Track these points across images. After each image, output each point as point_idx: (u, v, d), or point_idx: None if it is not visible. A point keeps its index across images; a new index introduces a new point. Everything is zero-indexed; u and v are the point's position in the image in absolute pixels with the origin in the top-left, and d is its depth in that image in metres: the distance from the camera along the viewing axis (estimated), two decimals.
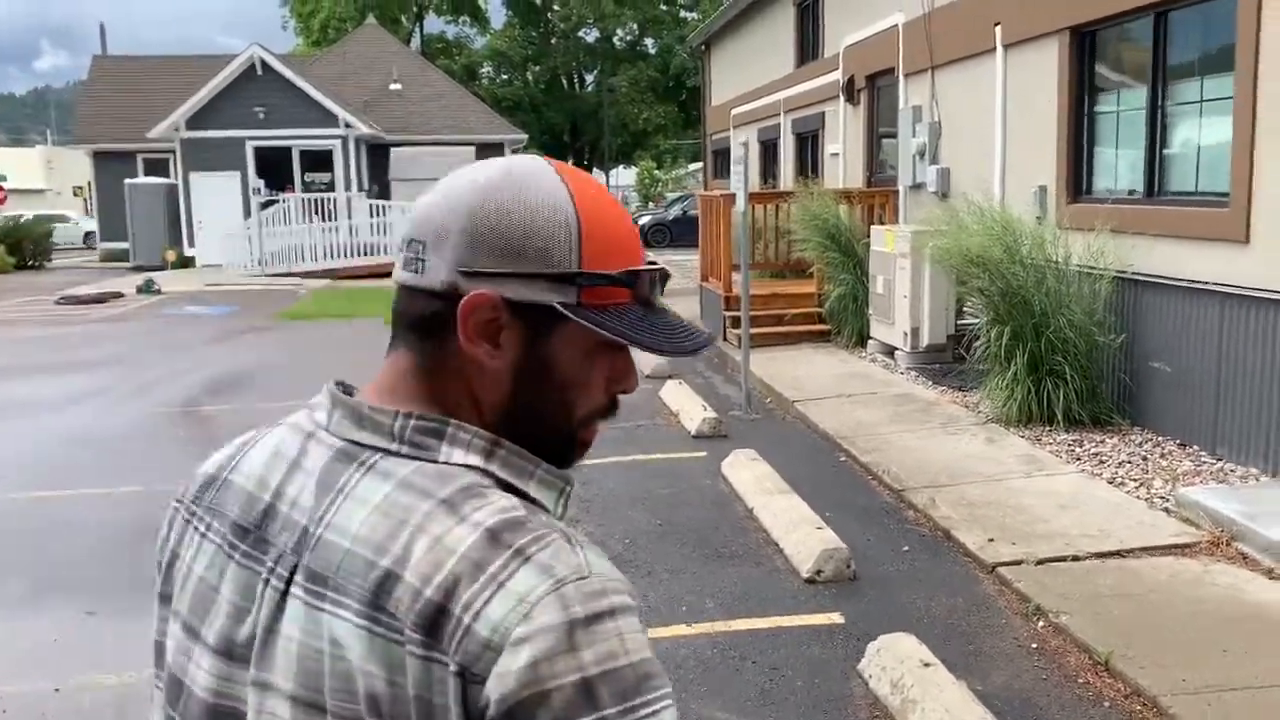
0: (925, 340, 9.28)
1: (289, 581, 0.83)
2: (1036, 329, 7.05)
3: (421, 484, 0.82)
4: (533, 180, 0.87)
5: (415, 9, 45.15)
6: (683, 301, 14.69)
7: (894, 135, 11.97)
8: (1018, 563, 4.80)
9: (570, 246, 0.85)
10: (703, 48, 22.19)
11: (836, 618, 4.38)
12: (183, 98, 25.00)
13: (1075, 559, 4.81)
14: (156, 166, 28.78)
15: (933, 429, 7.23)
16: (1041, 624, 4.27)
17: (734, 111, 19.39)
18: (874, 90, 12.68)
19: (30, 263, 27.70)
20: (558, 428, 0.90)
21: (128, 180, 26.58)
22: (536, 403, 0.88)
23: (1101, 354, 7.13)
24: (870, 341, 10.26)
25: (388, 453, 0.84)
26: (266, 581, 0.84)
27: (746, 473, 6.21)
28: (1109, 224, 7.10)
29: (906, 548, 5.18)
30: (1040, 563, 4.79)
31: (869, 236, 10.48)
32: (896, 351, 9.60)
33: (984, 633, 4.25)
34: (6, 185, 53.68)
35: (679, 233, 31.29)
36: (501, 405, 0.87)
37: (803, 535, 5.05)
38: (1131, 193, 7.35)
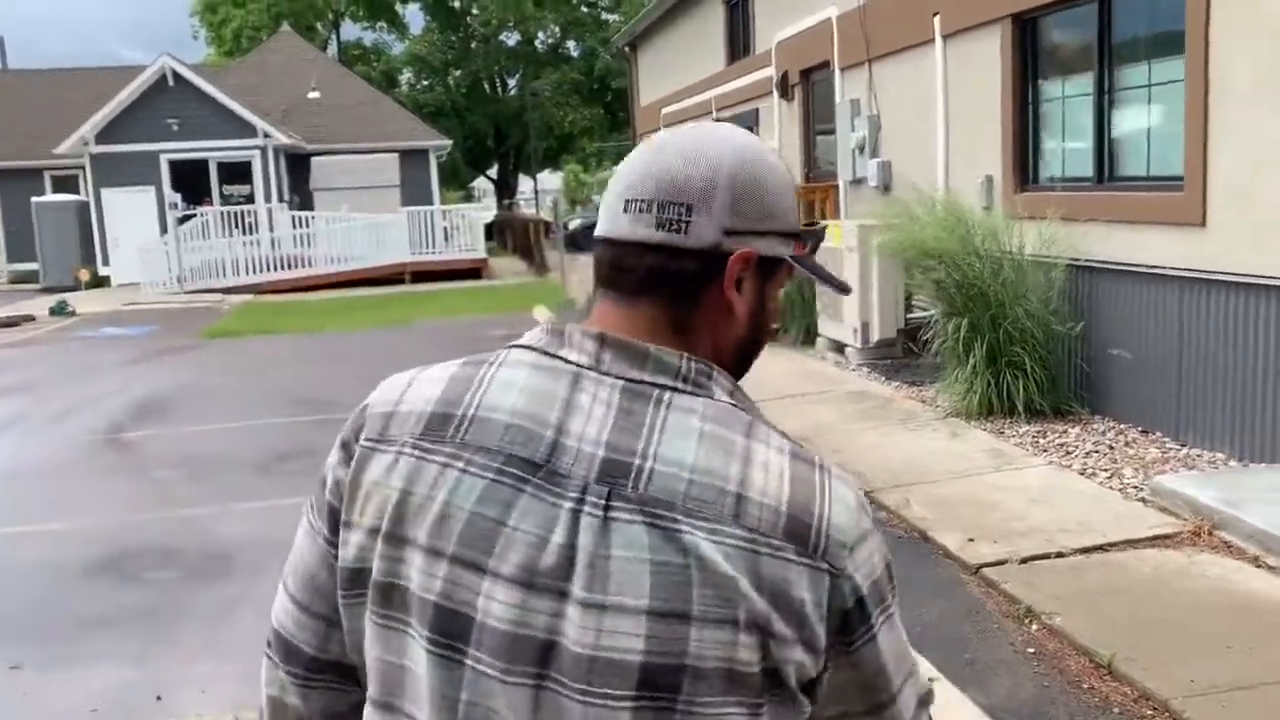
0: (876, 335, 9.17)
1: (607, 509, 0.88)
2: (994, 320, 6.96)
3: (723, 418, 0.92)
4: (765, 147, 1.02)
5: (331, 16, 44.22)
6: None
7: (831, 131, 11.88)
8: (1001, 562, 4.65)
9: (793, 206, 1.02)
10: (628, 49, 21.99)
11: None
12: (90, 111, 24.05)
13: (1059, 555, 4.67)
14: (65, 183, 27.69)
15: (893, 426, 7.09)
16: (1035, 627, 4.11)
17: (664, 111, 19.21)
18: (809, 85, 12.59)
19: None
20: (756, 355, 1.05)
21: (34, 199, 25.51)
22: (756, 339, 1.02)
23: (1059, 343, 7.06)
24: (819, 339, 10.13)
25: (676, 389, 0.93)
26: (577, 512, 0.89)
27: None
28: (1060, 212, 7.03)
29: None
30: (1024, 561, 4.64)
31: None
32: (847, 348, 9.48)
33: (978, 640, 4.08)
34: None
35: None
36: (735, 345, 1.00)
37: None
38: (1081, 180, 7.30)
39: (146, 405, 9.97)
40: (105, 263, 24.71)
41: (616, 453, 0.89)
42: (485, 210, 23.11)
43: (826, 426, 7.21)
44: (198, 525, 6.09)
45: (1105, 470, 5.80)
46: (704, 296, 0.96)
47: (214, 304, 20.44)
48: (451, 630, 0.91)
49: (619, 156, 71.15)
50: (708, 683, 0.85)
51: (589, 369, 0.94)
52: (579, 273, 22.54)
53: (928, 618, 4.27)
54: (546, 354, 0.98)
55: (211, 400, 10.18)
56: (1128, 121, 7.00)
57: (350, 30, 46.37)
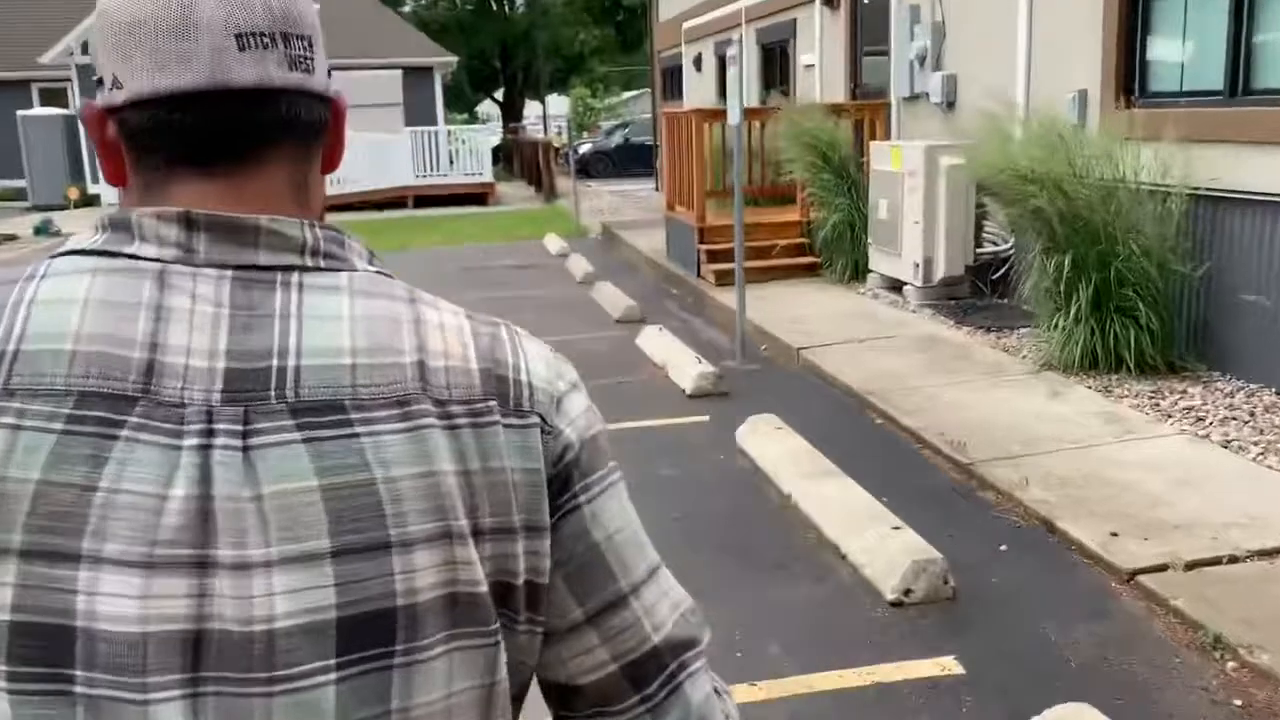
0: (940, 272, 8.11)
1: (245, 434, 0.68)
2: (1101, 258, 5.90)
3: (374, 289, 0.76)
4: None
5: None
6: (645, 234, 13.34)
7: (878, 52, 10.69)
8: (1161, 568, 3.67)
9: None
10: None
11: (952, 664, 3.20)
12: (78, 18, 22.63)
13: (1233, 560, 3.70)
14: (54, 97, 26.31)
15: (979, 381, 6.08)
16: (1231, 664, 3.14)
17: (686, 25, 17.87)
18: None
19: None
20: None
21: (20, 112, 24.18)
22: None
23: (1177, 287, 6.01)
24: (870, 275, 9.06)
25: (304, 269, 0.74)
26: (205, 448, 0.67)
27: (773, 445, 5.00)
28: (1178, 132, 5.93)
29: (1003, 547, 4.02)
30: (1191, 567, 3.66)
31: (865, 155, 9.25)
32: (905, 286, 8.42)
33: (1158, 681, 3.11)
34: None
35: (622, 161, 29.83)
36: (323, 211, 0.84)
37: (874, 538, 3.86)
38: (1207, 94, 6.18)
39: None
40: (95, 180, 23.51)
41: (244, 359, 0.69)
42: (491, 133, 21.76)
43: (898, 378, 6.20)
44: None
45: (1255, 444, 4.79)
46: (317, 149, 0.81)
47: None
48: (42, 653, 0.65)
49: (629, 81, 69.53)
50: (428, 621, 0.68)
51: (178, 263, 0.72)
52: (591, 199, 21.38)
53: (1082, 645, 3.30)
54: (109, 254, 0.72)
55: None
56: (1271, 21, 5.85)
57: None
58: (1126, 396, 5.58)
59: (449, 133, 23.20)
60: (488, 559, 0.70)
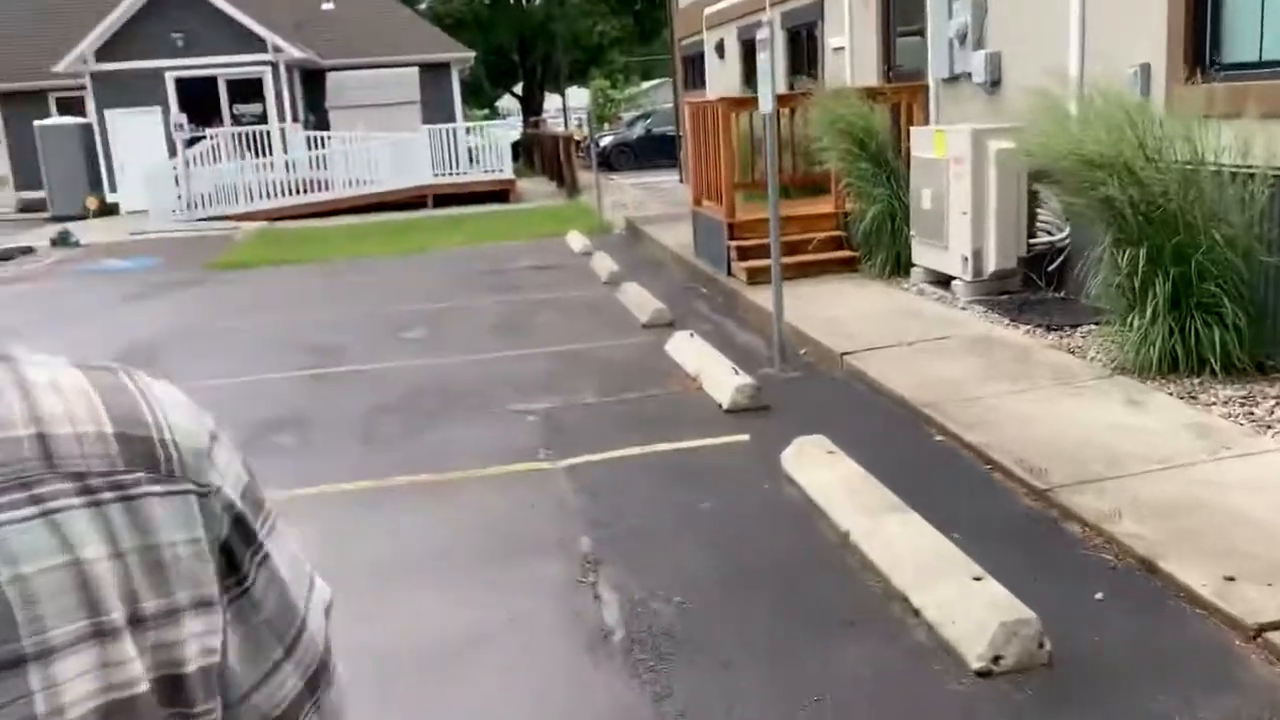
0: (991, 265, 7.55)
1: None
2: (1180, 249, 5.34)
3: None
4: None
5: None
6: (671, 229, 12.83)
7: (912, 33, 10.12)
8: None
9: None
10: None
11: None
12: (93, 25, 22.38)
13: None
14: (71, 106, 26.06)
15: (1044, 387, 5.54)
16: None
17: (707, 11, 17.32)
18: None
19: None
20: None
21: (37, 122, 23.98)
22: None
23: (1264, 279, 5.44)
24: (914, 270, 8.51)
25: None
26: None
27: (824, 472, 4.49)
28: (1262, 108, 5.36)
29: (1099, 595, 3.49)
30: None
31: (904, 141, 8.69)
32: (953, 281, 7.87)
33: None
34: None
35: (644, 153, 29.30)
36: None
37: (953, 590, 3.34)
38: None
39: (138, 351, 8.56)
40: (113, 189, 23.29)
41: None
42: (511, 128, 21.29)
43: (955, 386, 5.67)
44: None
45: None
46: None
47: (226, 232, 19.01)
48: None
49: (649, 71, 68.66)
50: None
51: None
52: (613, 193, 20.88)
53: None
54: None
55: (202, 348, 8.76)
56: None
57: None
58: (1215, 404, 5.02)
59: (467, 129, 22.75)
60: (150, 650, 0.60)
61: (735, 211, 9.25)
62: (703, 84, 18.52)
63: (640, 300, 8.78)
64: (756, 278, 8.54)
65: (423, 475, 5.08)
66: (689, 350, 6.88)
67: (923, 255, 8.32)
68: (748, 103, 9.22)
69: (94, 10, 23.56)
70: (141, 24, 22.27)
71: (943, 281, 8.06)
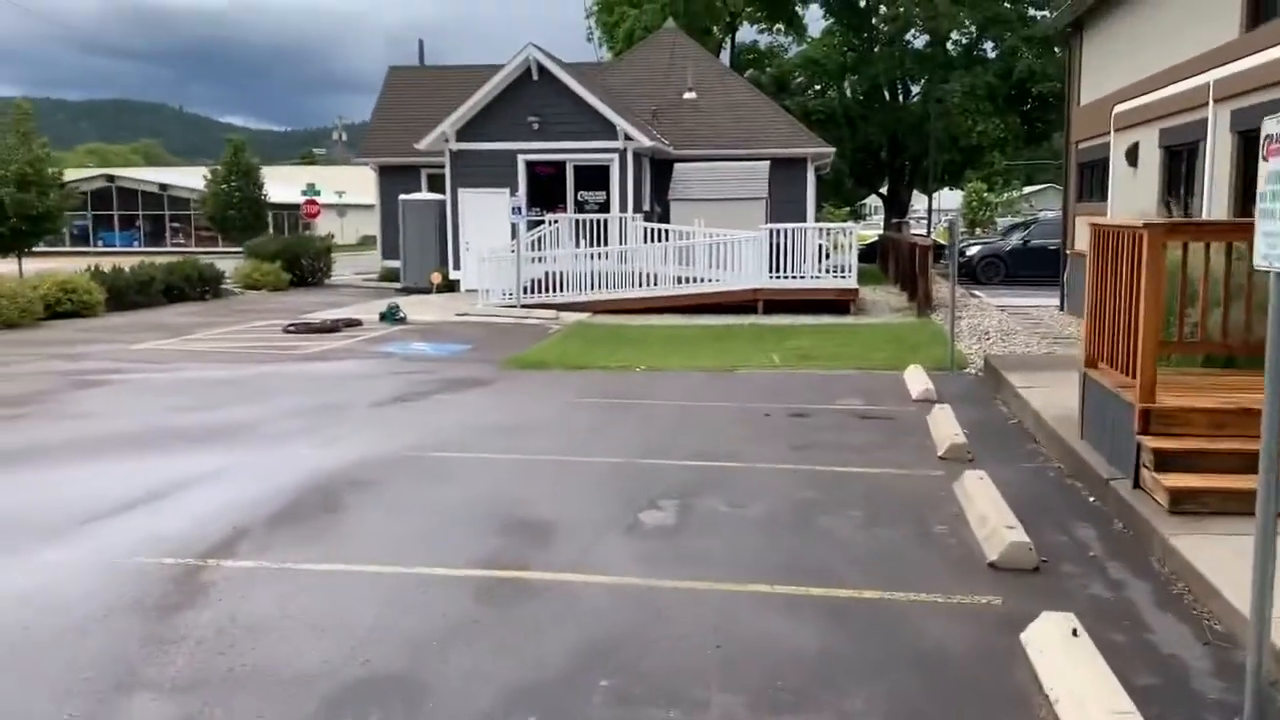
0: None
1: None
2: None
3: None
4: None
5: (728, 18, 41.91)
6: (1045, 382, 9.72)
7: None
8: None
9: None
10: (1070, 30, 16.82)
11: None
12: (458, 105, 22.81)
13: None
14: (437, 182, 27.03)
15: None
16: None
17: (1118, 110, 14.05)
18: None
19: (310, 279, 26.79)
20: None
21: (401, 196, 24.89)
22: None
23: None
24: None
25: None
26: None
27: None
28: None
29: None
30: None
31: None
32: None
33: None
34: (348, 200, 56.34)
35: (1018, 267, 25.70)
36: None
37: None
38: None
39: (317, 490, 6.97)
40: (456, 266, 23.45)
41: None
42: (870, 229, 18.83)
43: None
44: None
45: None
46: None
47: (545, 321, 18.06)
48: None
49: (1031, 176, 63.60)
50: None
51: None
52: (974, 315, 17.76)
53: None
54: None
55: (396, 493, 7.00)
56: None
57: (746, 33, 43.93)
58: None
59: (817, 230, 20.56)
60: None
61: (1154, 392, 6.16)
62: (1101, 195, 15.15)
63: (989, 512, 5.87)
64: (1186, 505, 5.48)
65: None
66: (1062, 661, 3.99)
67: None
68: (1188, 230, 6.18)
69: (467, 92, 24.09)
70: (501, 106, 22.36)
71: None
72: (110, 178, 60.15)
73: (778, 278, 19.09)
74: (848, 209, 46.29)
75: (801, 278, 19.35)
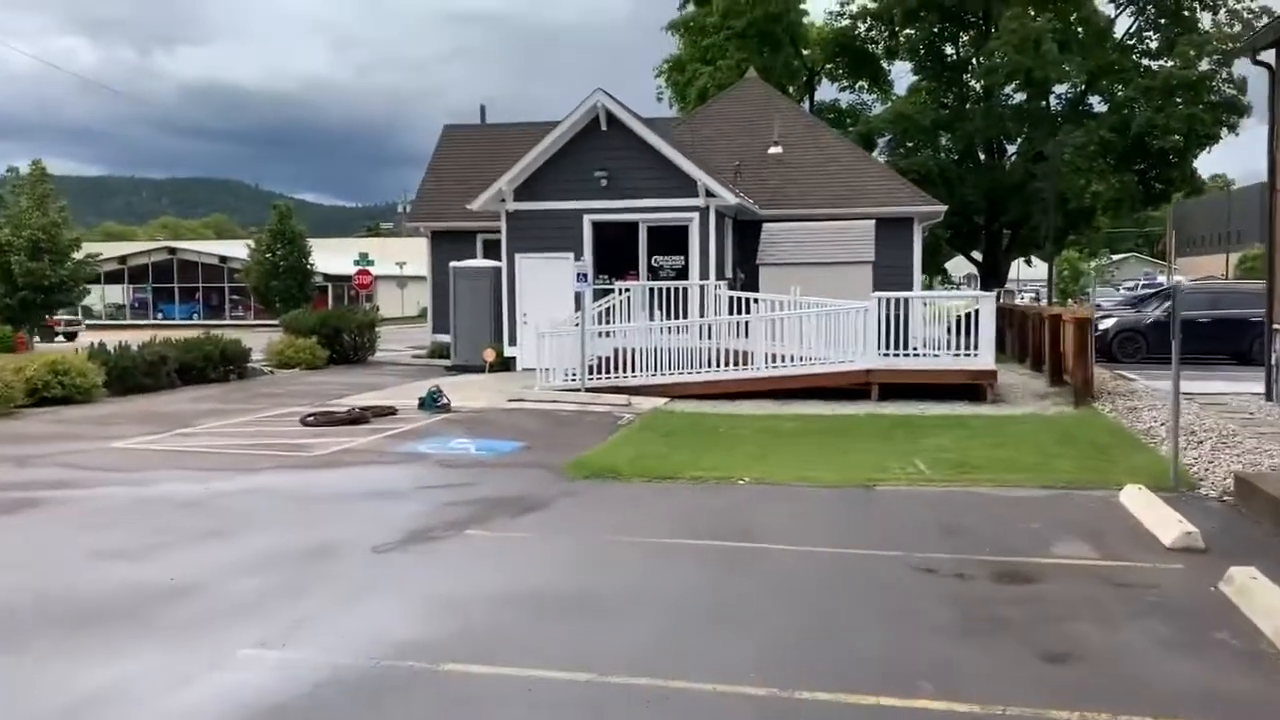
0: None
1: None
2: None
3: None
4: None
5: (806, 75, 39.28)
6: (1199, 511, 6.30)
7: None
8: None
9: None
10: (1271, 50, 13.50)
11: None
12: (512, 164, 20.15)
13: None
14: (494, 249, 24.33)
15: None
16: None
17: None
18: None
19: (353, 355, 24.09)
20: None
21: (452, 263, 22.19)
22: None
23: None
24: None
25: None
26: None
27: None
28: None
29: None
30: None
31: None
32: None
33: None
34: (409, 270, 54.37)
35: (1160, 342, 22.04)
36: None
37: None
38: None
39: None
40: (512, 342, 20.56)
41: None
42: (987, 299, 15.59)
43: None
44: None
45: None
46: None
47: (614, 408, 15.00)
48: None
49: (1114, 243, 59.31)
50: None
51: None
52: (1138, 402, 14.29)
53: None
54: None
55: None
56: None
57: (825, 91, 41.26)
58: None
59: (954, 298, 17.35)
60: None
61: None
62: None
63: None
64: None
65: None
66: None
67: None
68: None
69: (526, 150, 21.44)
70: (565, 160, 19.63)
71: None
72: (171, 250, 59.24)
73: (892, 354, 15.84)
74: (939, 277, 42.88)
75: (921, 355, 16.08)
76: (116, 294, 58.16)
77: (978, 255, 38.24)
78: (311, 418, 13.86)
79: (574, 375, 16.41)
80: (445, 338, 23.55)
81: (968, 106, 35.42)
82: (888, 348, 15.79)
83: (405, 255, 55.77)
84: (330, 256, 56.77)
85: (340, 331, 23.24)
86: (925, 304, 17.13)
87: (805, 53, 39.59)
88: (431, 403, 15.15)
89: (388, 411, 14.64)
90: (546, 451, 11.43)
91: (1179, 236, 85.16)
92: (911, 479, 9.62)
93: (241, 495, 9.15)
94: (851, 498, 8.91)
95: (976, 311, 15.46)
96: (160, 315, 55.11)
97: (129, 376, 16.79)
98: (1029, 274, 62.07)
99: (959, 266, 52.74)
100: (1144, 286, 37.95)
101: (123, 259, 57.51)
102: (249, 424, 13.81)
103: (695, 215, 19.03)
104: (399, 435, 12.68)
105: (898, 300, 15.96)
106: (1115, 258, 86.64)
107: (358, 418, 13.92)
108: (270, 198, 32.06)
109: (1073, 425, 12.75)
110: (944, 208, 22.33)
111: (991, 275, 36.81)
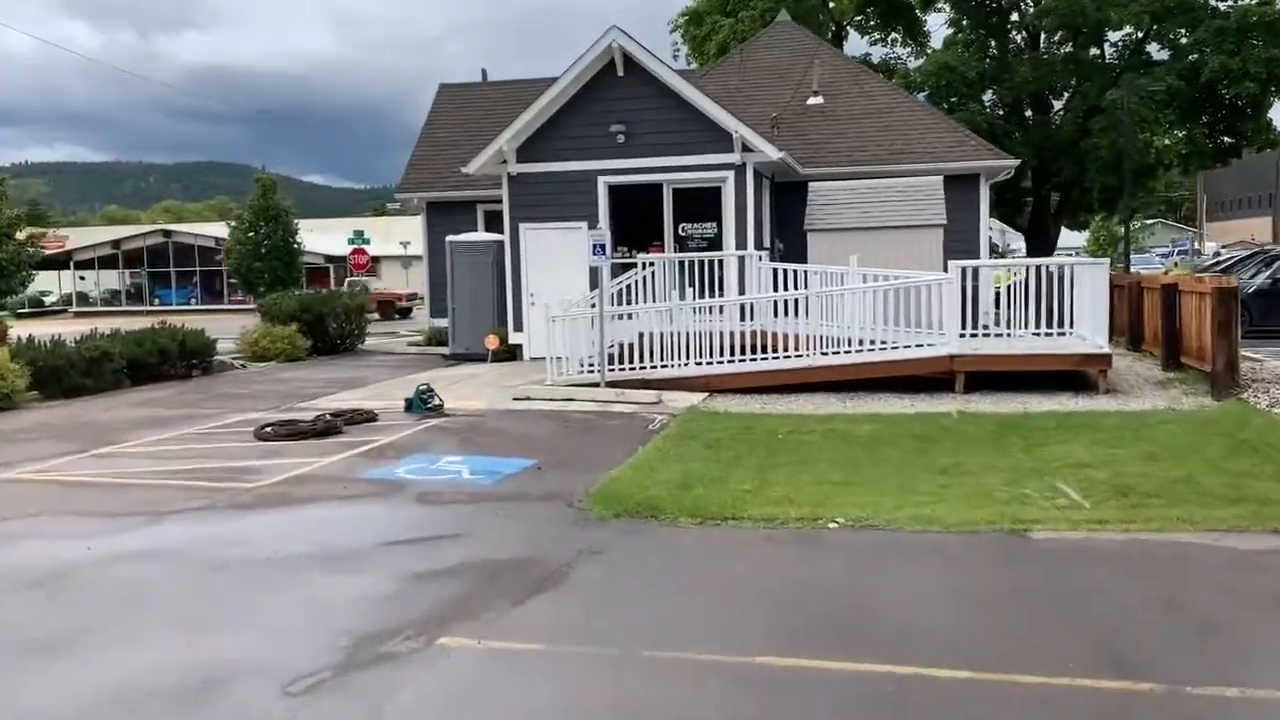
0: None
1: None
2: None
3: None
4: None
5: (834, 27, 36.19)
6: None
7: None
8: None
9: None
10: None
11: None
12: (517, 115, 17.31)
13: None
14: (497, 221, 21.52)
15: None
16: None
17: None
18: None
19: (339, 344, 21.34)
20: None
21: (449, 237, 19.36)
22: None
23: None
24: None
25: None
26: None
27: None
28: None
29: None
30: None
31: None
32: None
33: None
34: (414, 250, 51.66)
35: (1266, 314, 19.21)
36: None
37: None
38: None
39: None
40: (517, 327, 17.78)
41: None
42: (1091, 264, 12.77)
43: None
44: None
45: None
46: None
47: (641, 407, 12.27)
48: None
49: (1163, 208, 56.18)
50: None
51: None
52: (1271, 389, 11.48)
53: None
54: None
55: None
56: None
57: (854, 45, 38.15)
58: None
59: (1042, 267, 14.45)
60: None
61: None
62: None
63: None
64: None
65: None
66: None
67: None
68: None
69: (514, 112, 18.53)
70: (576, 113, 16.76)
71: None
72: (166, 232, 56.55)
73: (976, 336, 13.02)
74: None
75: (1012, 336, 13.27)
76: (112, 279, 55.60)
77: (1021, 222, 35.23)
78: (269, 429, 11.13)
79: (591, 366, 13.63)
80: (443, 322, 20.82)
81: (1010, 59, 32.33)
82: (970, 326, 13.02)
83: (410, 235, 53.05)
84: (333, 238, 54.04)
85: (324, 318, 20.46)
86: (1011, 273, 14.26)
87: (832, 4, 36.50)
88: (420, 404, 12.43)
89: (366, 418, 11.91)
90: (561, 472, 8.72)
91: (1207, 200, 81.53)
92: (1070, 518, 6.84)
93: (130, 562, 6.43)
94: (1003, 554, 6.14)
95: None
96: (157, 300, 52.49)
97: (63, 377, 14.09)
98: (1064, 241, 58.92)
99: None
100: (1224, 251, 34.82)
101: (116, 243, 54.89)
102: (191, 437, 11.08)
103: (730, 174, 16.16)
104: (374, 452, 9.94)
105: (978, 271, 13.09)
106: (1148, 223, 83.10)
107: (326, 427, 11.17)
108: (278, 181, 29.74)
109: (1234, 425, 9.90)
110: (1016, 161, 19.43)
111: (1039, 242, 33.81)
